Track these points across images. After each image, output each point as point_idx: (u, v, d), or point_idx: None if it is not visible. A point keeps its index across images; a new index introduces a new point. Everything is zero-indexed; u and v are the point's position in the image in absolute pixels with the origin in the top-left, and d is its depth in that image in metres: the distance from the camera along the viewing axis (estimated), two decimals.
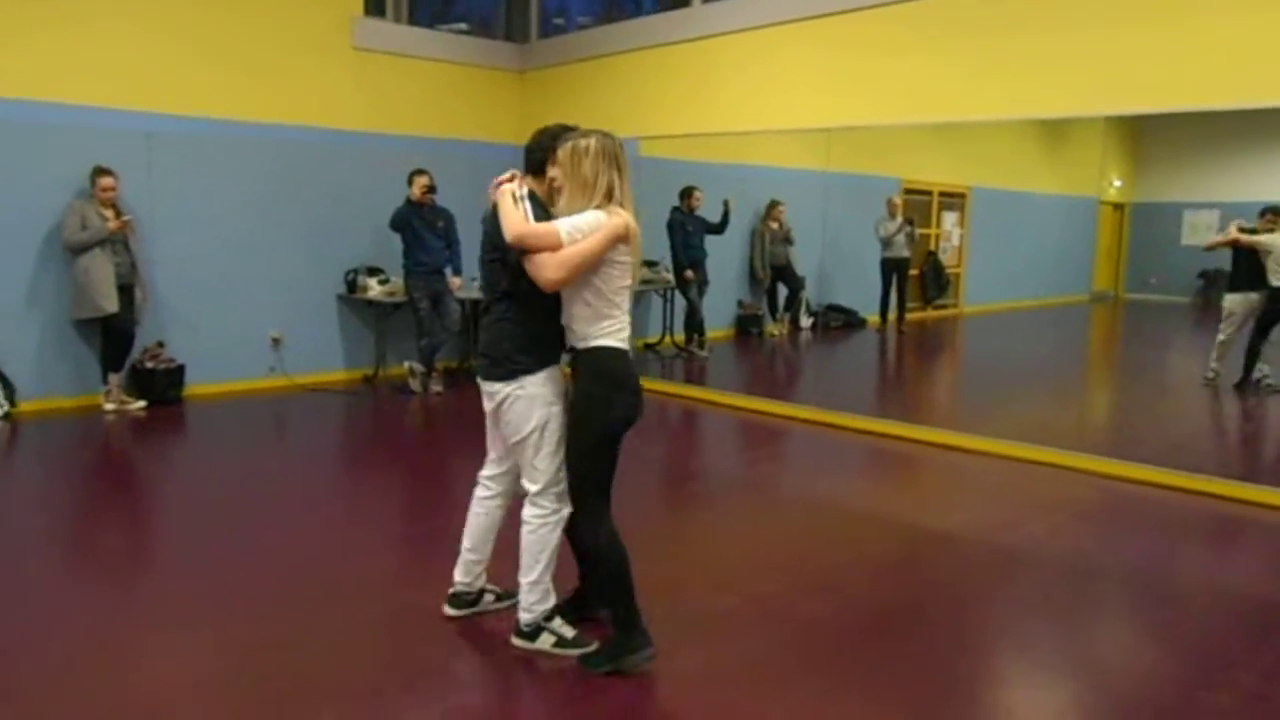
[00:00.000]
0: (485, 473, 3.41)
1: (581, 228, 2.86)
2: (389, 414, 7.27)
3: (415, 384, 7.67)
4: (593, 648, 3.11)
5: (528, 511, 3.14)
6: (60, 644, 3.22)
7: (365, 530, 4.57)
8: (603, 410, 2.95)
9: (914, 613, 3.66)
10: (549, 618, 3.17)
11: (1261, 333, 7.39)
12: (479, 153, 8.72)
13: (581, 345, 2.99)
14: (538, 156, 3.13)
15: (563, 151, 2.96)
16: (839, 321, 11.38)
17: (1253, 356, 7.39)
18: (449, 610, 3.46)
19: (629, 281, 2.99)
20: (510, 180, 3.08)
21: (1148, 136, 13.78)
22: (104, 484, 5.47)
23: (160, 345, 7.08)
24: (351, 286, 7.98)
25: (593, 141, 2.93)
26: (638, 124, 8.08)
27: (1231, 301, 7.85)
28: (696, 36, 7.66)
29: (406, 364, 7.74)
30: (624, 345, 2.99)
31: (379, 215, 7.75)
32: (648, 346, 9.33)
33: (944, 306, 12.88)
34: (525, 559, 3.15)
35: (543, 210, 3.05)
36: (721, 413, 7.49)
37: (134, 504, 5.19)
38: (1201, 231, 14.52)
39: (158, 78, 6.98)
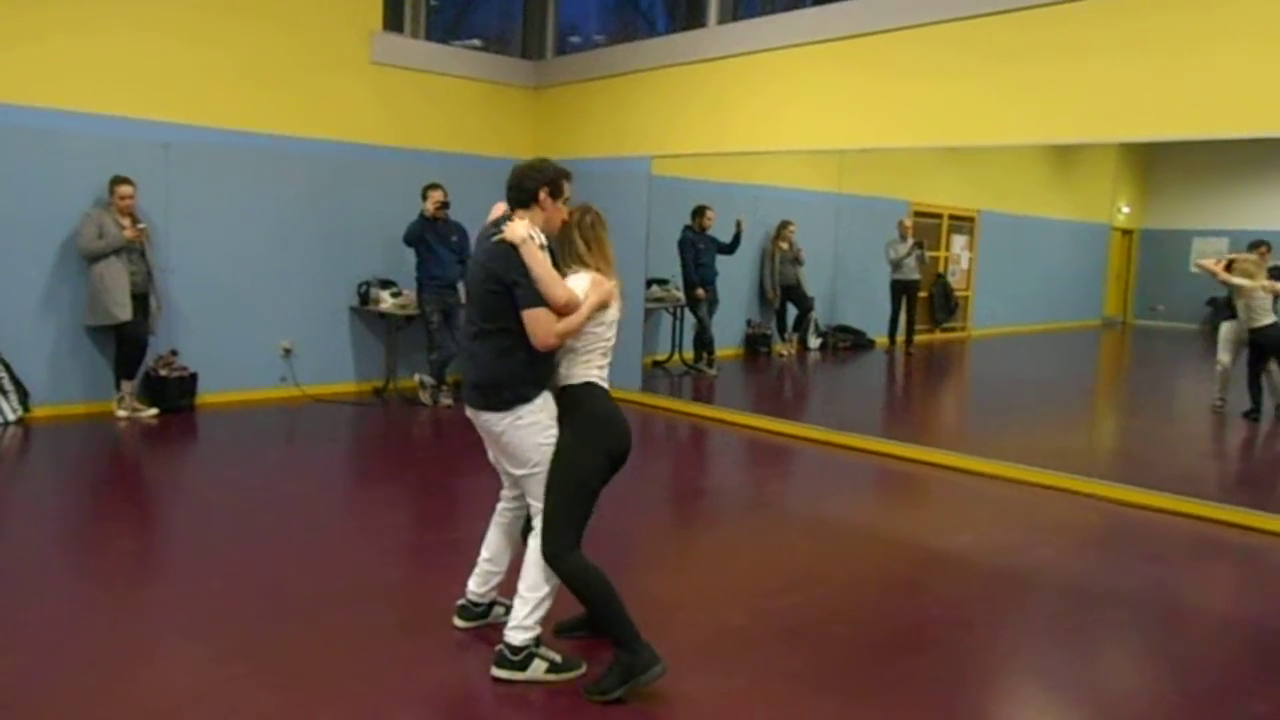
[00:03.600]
0: (505, 492, 3.42)
1: (587, 292, 3.03)
2: (399, 426, 7.29)
3: (425, 396, 7.70)
4: (583, 669, 3.09)
5: (538, 528, 3.10)
6: (70, 650, 3.23)
7: (375, 541, 4.57)
8: (591, 447, 3.04)
9: (924, 634, 3.67)
10: (538, 642, 3.10)
11: (1252, 366, 7.45)
12: (493, 168, 8.68)
13: (565, 383, 3.09)
14: (530, 189, 3.11)
15: (589, 216, 3.17)
16: (847, 342, 11.40)
17: (1255, 389, 7.42)
18: (458, 622, 3.46)
19: (611, 336, 3.15)
20: (508, 216, 3.12)
21: (1159, 163, 13.82)
22: (115, 490, 5.49)
23: (173, 353, 7.12)
24: (364, 298, 8.03)
25: (588, 216, 3.18)
26: (652, 142, 8.13)
27: (1225, 329, 7.92)
28: (712, 57, 7.71)
29: (417, 376, 7.78)
30: (605, 384, 3.14)
31: (392, 228, 7.80)
32: (656, 364, 9.35)
33: (952, 329, 12.91)
34: (533, 572, 3.08)
35: (552, 255, 3.10)
36: (729, 431, 7.50)
37: (145, 511, 5.22)
38: (1209, 259, 14.54)
39: (177, 88, 7.05)
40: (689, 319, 9.33)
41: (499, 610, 3.49)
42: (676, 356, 9.48)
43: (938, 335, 12.67)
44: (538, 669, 3.07)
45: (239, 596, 3.75)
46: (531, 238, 3.00)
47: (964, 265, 13.16)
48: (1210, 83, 5.16)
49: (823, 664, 3.34)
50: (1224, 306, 12.57)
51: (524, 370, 3.04)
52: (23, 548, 4.31)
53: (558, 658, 3.10)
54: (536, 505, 3.11)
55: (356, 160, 8.00)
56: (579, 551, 3.04)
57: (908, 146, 6.75)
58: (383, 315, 8.02)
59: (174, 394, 7.04)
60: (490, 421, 3.08)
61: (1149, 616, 3.98)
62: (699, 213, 9.06)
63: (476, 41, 9.06)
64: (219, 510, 4.96)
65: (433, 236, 7.49)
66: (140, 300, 6.73)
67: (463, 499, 5.44)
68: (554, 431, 3.07)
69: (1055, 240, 13.58)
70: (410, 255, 7.66)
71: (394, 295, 7.94)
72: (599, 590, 3.00)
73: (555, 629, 3.25)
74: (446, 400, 7.71)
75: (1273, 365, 7.48)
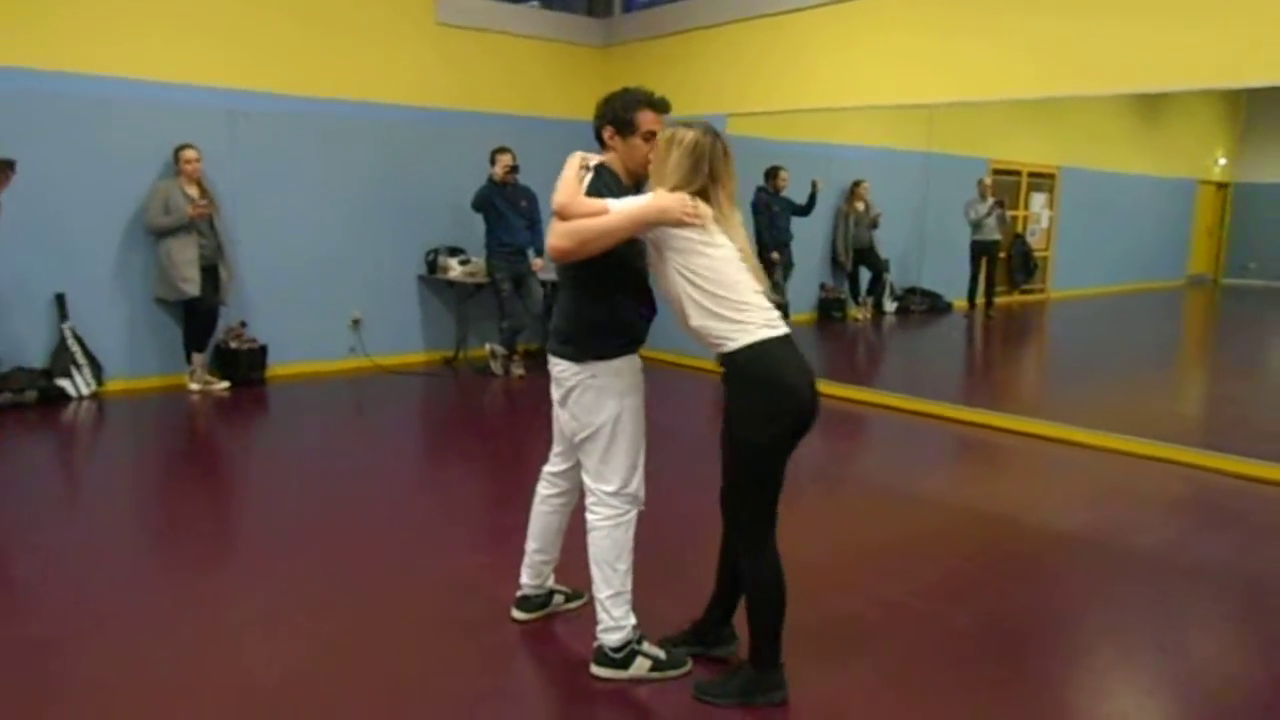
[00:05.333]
0: (550, 468, 3.15)
1: (633, 203, 2.61)
2: (471, 397, 7.13)
3: (496, 366, 7.53)
4: (689, 668, 2.86)
5: (597, 514, 2.85)
6: (144, 627, 3.14)
7: (449, 521, 4.41)
8: (755, 422, 2.59)
9: (1055, 622, 3.39)
10: (639, 638, 2.87)
11: None
12: (562, 130, 8.51)
13: (718, 352, 2.64)
14: (596, 130, 2.89)
15: (661, 137, 2.72)
16: (922, 305, 11.01)
17: None
18: (517, 614, 3.24)
19: (738, 266, 2.61)
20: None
21: (1254, 114, 13.15)
22: (190, 467, 5.39)
23: (243, 325, 7.03)
24: (432, 267, 7.86)
25: (691, 134, 2.65)
26: (725, 100, 7.80)
27: None
28: (786, 10, 7.34)
29: (488, 346, 7.60)
30: (766, 337, 2.57)
31: (460, 194, 7.60)
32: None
33: (1031, 291, 12.42)
34: (602, 570, 2.84)
35: (616, 183, 2.80)
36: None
37: (220, 486, 5.12)
38: None
39: (241, 54, 6.90)
40: None
41: (559, 599, 3.30)
42: None
43: (1016, 297, 12.22)
44: (641, 666, 2.84)
45: (314, 577, 3.61)
46: (584, 160, 2.79)
47: (1044, 224, 12.65)
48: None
49: (947, 659, 3.08)
50: None
51: (600, 323, 2.80)
52: (101, 525, 4.24)
53: (662, 655, 2.87)
54: (593, 484, 2.86)
55: (422, 125, 7.79)
56: (771, 548, 2.70)
57: (990, 99, 6.35)
58: (451, 284, 7.85)
59: (245, 366, 6.95)
60: (564, 372, 2.86)
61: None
62: (773, 173, 8.71)
63: (535, 2, 8.75)
64: (295, 487, 4.83)
65: (502, 202, 7.27)
66: (210, 272, 6.64)
67: (536, 475, 5.23)
68: (630, 400, 2.81)
69: (1140, 196, 13.00)
70: (479, 222, 7.45)
71: (462, 263, 7.76)
72: (776, 597, 2.69)
73: (659, 643, 2.94)
74: (519, 370, 7.52)
75: None
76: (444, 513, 4.55)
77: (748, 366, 2.59)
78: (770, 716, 2.69)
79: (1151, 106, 11.74)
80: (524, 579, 3.25)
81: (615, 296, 2.80)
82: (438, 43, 7.82)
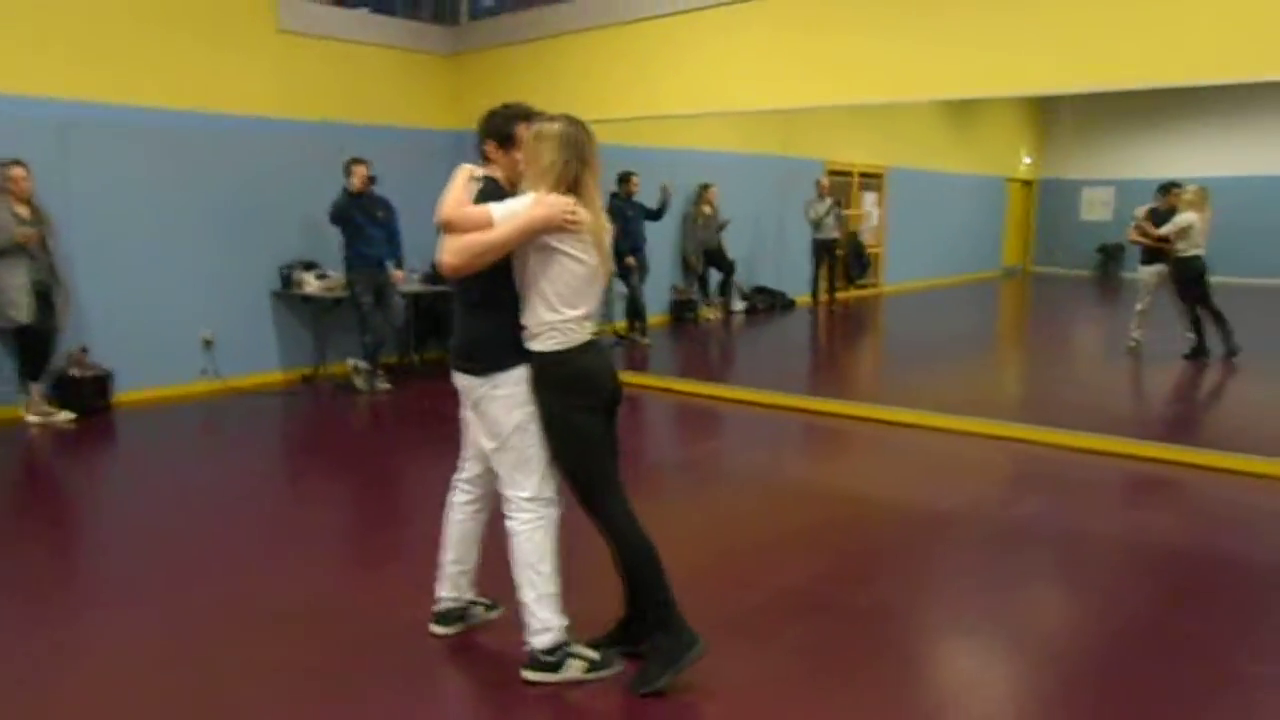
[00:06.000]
0: (463, 475, 3.19)
1: (516, 210, 2.70)
2: (336, 415, 6.96)
3: (360, 382, 7.35)
4: (621, 668, 2.94)
5: (515, 520, 2.91)
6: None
7: (335, 542, 4.34)
8: (552, 410, 2.82)
9: (944, 595, 3.66)
10: (569, 641, 2.93)
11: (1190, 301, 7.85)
12: (411, 140, 8.41)
13: (532, 348, 2.82)
14: (480, 147, 2.98)
15: (528, 134, 2.80)
16: (766, 303, 11.44)
17: (1196, 323, 7.82)
18: (436, 629, 3.23)
19: (589, 283, 2.78)
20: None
21: (1053, 116, 14.31)
22: (32, 507, 4.98)
23: (84, 350, 6.61)
24: (286, 282, 7.60)
25: (556, 126, 2.76)
26: (578, 108, 7.71)
27: (1145, 274, 8.23)
28: (636, 19, 7.51)
29: (350, 361, 7.42)
30: (575, 344, 2.79)
31: (310, 206, 7.40)
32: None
33: (865, 286, 13.11)
34: (524, 574, 2.89)
35: (500, 194, 2.86)
36: (669, 399, 7.39)
37: (68, 526, 4.75)
38: (1098, 208, 15.19)
39: (71, 63, 6.49)
40: (619, 288, 9.13)
41: (478, 609, 3.31)
42: (609, 327, 9.30)
43: (853, 292, 12.86)
44: (574, 668, 2.90)
45: (183, 619, 3.40)
46: (471, 172, 2.89)
47: (874, 222, 13.37)
48: (1100, 36, 5.30)
49: (857, 640, 3.28)
50: (1114, 253, 13.17)
51: (498, 334, 2.87)
52: None
53: (595, 655, 2.94)
54: (509, 491, 2.92)
55: (269, 136, 7.52)
56: (623, 506, 2.87)
57: (835, 104, 6.72)
58: (307, 299, 7.61)
59: (88, 394, 6.54)
60: (469, 387, 2.94)
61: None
62: (625, 179, 8.88)
63: (364, 10, 8.52)
64: (152, 524, 4.51)
65: (360, 214, 7.12)
66: (44, 296, 6.21)
67: (421, 489, 5.18)
68: (533, 408, 2.88)
69: (958, 194, 13.94)
70: (333, 235, 7.27)
71: (319, 277, 7.54)
72: (643, 556, 2.84)
73: (589, 645, 3.00)
74: (383, 384, 7.38)
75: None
76: (327, 536, 4.45)
77: (559, 361, 2.80)
78: (701, 707, 2.81)
79: (964, 111, 12.61)
80: (441, 592, 3.23)
81: (507, 309, 2.86)
82: (281, 51, 7.57)
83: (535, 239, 2.71)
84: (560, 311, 2.75)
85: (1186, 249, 7.77)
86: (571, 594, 2.97)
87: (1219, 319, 7.75)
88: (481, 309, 2.91)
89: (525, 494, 2.90)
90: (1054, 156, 15.09)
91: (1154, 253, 8.14)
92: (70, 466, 5.77)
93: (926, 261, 13.66)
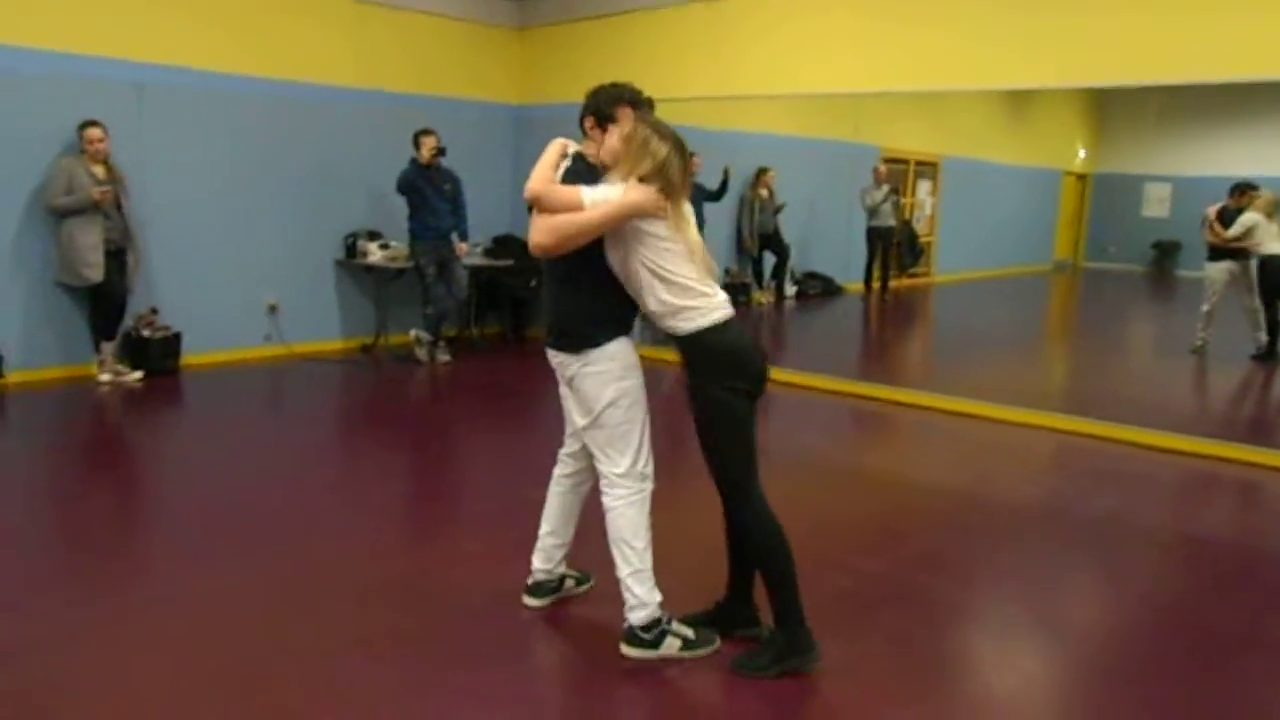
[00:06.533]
0: (564, 449, 3.20)
1: (609, 196, 2.69)
2: (396, 385, 6.98)
3: (421, 353, 7.38)
4: (717, 645, 2.94)
5: (610, 495, 2.91)
6: (51, 644, 2.94)
7: (402, 517, 4.36)
8: (715, 384, 2.77)
9: (1030, 589, 3.62)
10: (668, 618, 2.92)
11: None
12: (476, 113, 8.41)
13: (677, 333, 2.78)
14: (580, 120, 2.95)
15: (635, 137, 2.76)
16: (816, 289, 11.36)
17: (1273, 324, 7.61)
18: (530, 601, 3.24)
19: (689, 265, 2.74)
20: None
21: (1112, 110, 14.08)
22: (102, 465, 4.99)
23: (154, 312, 6.68)
24: (350, 251, 7.63)
25: (662, 150, 2.73)
26: (646, 86, 7.78)
27: (1212, 271, 8.03)
28: None
29: (413, 332, 7.44)
30: (717, 321, 2.75)
31: (376, 176, 7.42)
32: (644, 318, 9.13)
33: (917, 275, 12.99)
34: (620, 549, 2.89)
35: (590, 172, 2.85)
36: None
37: (136, 492, 4.76)
38: (1155, 204, 14.97)
39: (148, 26, 6.53)
40: None
41: (570, 583, 3.32)
42: None
43: (905, 281, 12.75)
44: (671, 646, 2.89)
45: (295, 585, 3.43)
46: (564, 146, 2.89)
47: (928, 211, 13.23)
48: (1159, 31, 5.27)
49: (943, 626, 3.26)
50: (1169, 249, 12.95)
51: (590, 311, 2.87)
52: (2, 532, 3.87)
53: (690, 633, 2.93)
54: (604, 467, 2.92)
55: (336, 104, 7.54)
56: (759, 499, 2.84)
57: (904, 90, 6.64)
58: (370, 269, 7.64)
59: (157, 355, 6.60)
60: (563, 364, 2.94)
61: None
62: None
63: None
64: (219, 488, 4.51)
65: (427, 185, 7.12)
66: (117, 257, 6.27)
67: (479, 464, 5.21)
68: (627, 384, 2.87)
69: (1012, 185, 13.77)
70: (397, 206, 7.29)
71: (382, 247, 7.56)
72: (779, 556, 2.81)
73: (683, 621, 3.00)
74: (444, 357, 7.40)
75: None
76: (396, 507, 4.46)
77: (706, 340, 2.76)
78: (791, 685, 2.79)
79: (1020, 101, 12.44)
80: (535, 563, 3.24)
81: (600, 286, 2.85)
82: (353, 20, 7.57)
83: (628, 225, 2.70)
84: (684, 294, 2.73)
85: (1274, 247, 7.56)
86: (660, 571, 2.95)
87: (1274, 325, 7.55)
88: (571, 285, 2.90)
89: (619, 470, 2.90)
90: (1109, 151, 14.83)
91: (1222, 250, 7.97)
92: (136, 426, 5.82)
93: (978, 252, 13.50)
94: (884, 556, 3.85)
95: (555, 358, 2.97)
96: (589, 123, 2.93)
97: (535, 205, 2.74)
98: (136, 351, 6.57)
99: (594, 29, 8.15)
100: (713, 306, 2.76)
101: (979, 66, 6.08)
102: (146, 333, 6.58)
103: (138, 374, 6.47)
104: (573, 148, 2.92)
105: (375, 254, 7.53)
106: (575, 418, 3.00)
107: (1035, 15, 5.76)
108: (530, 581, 3.26)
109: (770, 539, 2.82)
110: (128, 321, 6.54)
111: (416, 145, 7.10)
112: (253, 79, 7.03)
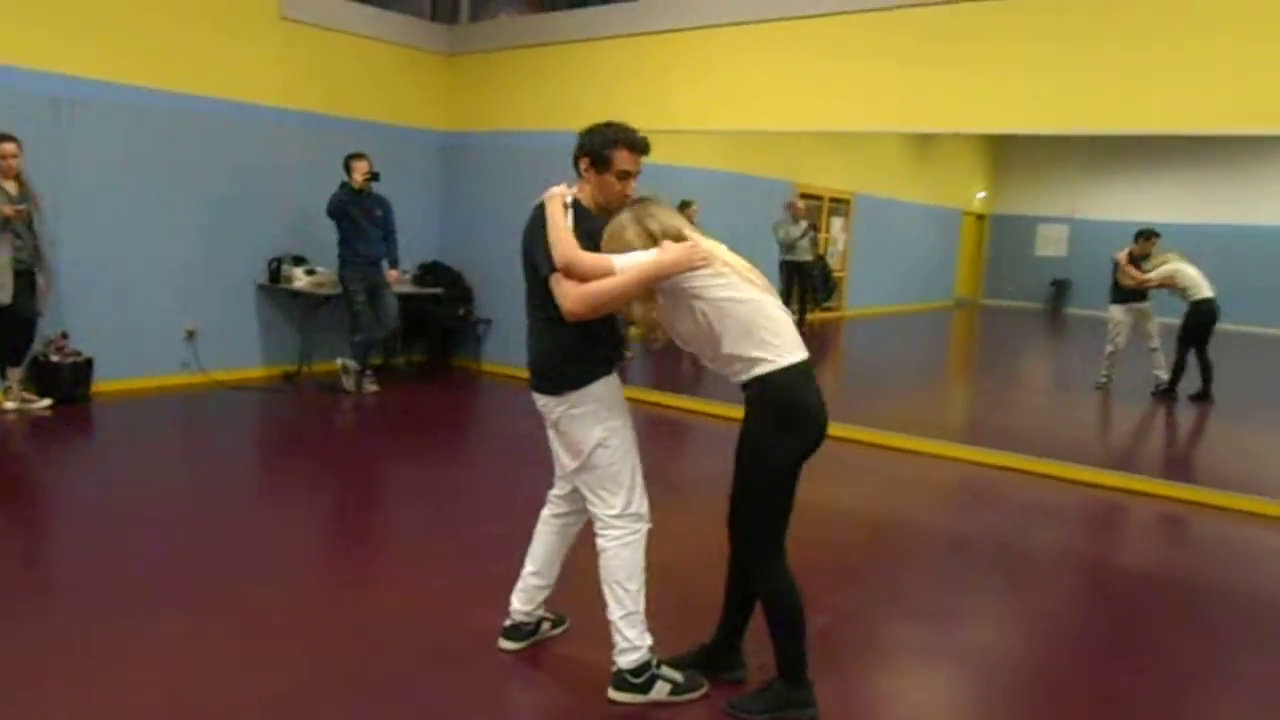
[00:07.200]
0: (556, 491, 3.14)
1: (640, 261, 2.65)
2: (324, 415, 6.76)
3: (349, 382, 7.17)
4: (705, 690, 2.90)
5: (604, 537, 2.87)
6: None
7: (354, 558, 4.20)
8: (766, 447, 2.71)
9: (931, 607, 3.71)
10: (657, 662, 2.88)
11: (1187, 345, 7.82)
12: (405, 138, 8.27)
13: (739, 380, 2.74)
14: (574, 159, 2.89)
15: (605, 233, 2.74)
16: None
17: (1179, 369, 7.78)
18: (506, 644, 3.15)
19: (746, 295, 2.68)
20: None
21: (1006, 153, 14.73)
22: (6, 499, 4.64)
23: (64, 336, 6.33)
24: (274, 276, 7.38)
25: (625, 217, 2.73)
26: (576, 118, 7.77)
27: (1116, 312, 8.32)
28: (639, 32, 7.52)
29: (340, 360, 7.23)
30: (786, 365, 2.67)
31: (301, 199, 7.22)
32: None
33: (829, 309, 13.28)
34: (613, 591, 2.85)
35: (586, 216, 2.82)
36: (653, 412, 7.37)
37: (43, 528, 4.43)
38: (1052, 244, 15.67)
39: (67, 37, 6.24)
40: None
41: (547, 625, 3.25)
42: None
43: (818, 314, 13.02)
44: (661, 690, 2.85)
45: (202, 647, 3.12)
46: (563, 198, 2.80)
47: (840, 246, 13.57)
48: (1056, 82, 5.64)
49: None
50: (1065, 287, 13.44)
51: (572, 352, 2.82)
52: None
53: (680, 678, 2.89)
54: (596, 508, 2.88)
55: (261, 124, 7.31)
56: (783, 564, 2.78)
57: (843, 129, 6.83)
58: (295, 294, 7.40)
59: (67, 382, 6.26)
60: (546, 406, 2.89)
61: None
62: None
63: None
64: (136, 528, 4.22)
65: (358, 210, 6.96)
66: (26, 277, 5.92)
67: (425, 501, 5.02)
68: (615, 422, 2.83)
69: (918, 223, 14.26)
70: (325, 230, 7.08)
71: (309, 273, 7.34)
72: (793, 615, 2.77)
73: (668, 663, 2.95)
74: (372, 386, 7.21)
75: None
76: (345, 546, 4.30)
77: (774, 391, 2.69)
78: None
79: (926, 143, 12.90)
80: (515, 604, 3.16)
81: (582, 326, 2.78)
82: (282, 39, 7.38)
83: (670, 286, 2.66)
84: (746, 341, 2.66)
85: (1197, 294, 7.79)
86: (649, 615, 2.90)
87: (1207, 366, 7.79)
88: (554, 327, 2.81)
89: (613, 511, 2.85)
90: (1006, 192, 15.52)
91: (1127, 292, 8.23)
92: (48, 458, 5.48)
93: (887, 288, 13.90)
94: (855, 596, 3.89)
95: (538, 400, 2.92)
96: (584, 164, 2.87)
97: (567, 274, 2.66)
98: (45, 378, 6.21)
99: (525, 58, 8.13)
100: (789, 353, 2.69)
101: (886, 110, 6.38)
102: (56, 358, 6.23)
103: (46, 402, 6.11)
104: (569, 196, 2.85)
105: (301, 279, 7.30)
106: (564, 460, 2.95)
107: (937, 69, 6.08)
108: (508, 623, 3.18)
109: (785, 599, 2.78)
110: (36, 346, 6.17)
111: (348, 169, 6.94)
112: (175, 94, 6.77)
